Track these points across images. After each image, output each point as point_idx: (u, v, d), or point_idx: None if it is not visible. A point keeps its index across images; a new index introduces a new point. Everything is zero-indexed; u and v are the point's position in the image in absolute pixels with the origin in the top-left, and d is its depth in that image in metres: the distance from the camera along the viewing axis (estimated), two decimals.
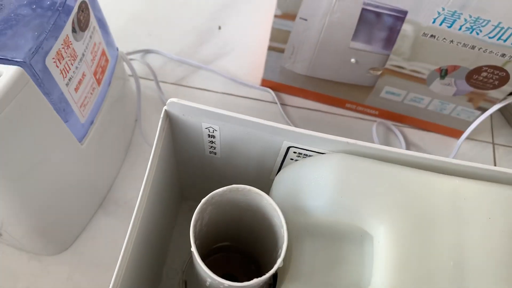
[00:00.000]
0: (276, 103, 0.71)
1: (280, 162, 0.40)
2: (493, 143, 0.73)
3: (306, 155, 0.37)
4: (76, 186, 0.54)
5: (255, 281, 0.30)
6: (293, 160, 0.39)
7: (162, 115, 0.35)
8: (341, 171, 0.34)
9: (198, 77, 0.73)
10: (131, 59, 0.70)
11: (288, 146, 0.37)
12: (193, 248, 0.31)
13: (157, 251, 0.46)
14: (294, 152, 0.37)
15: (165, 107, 0.35)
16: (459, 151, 0.70)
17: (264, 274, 0.44)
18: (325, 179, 0.34)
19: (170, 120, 0.37)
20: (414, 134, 0.72)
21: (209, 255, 0.50)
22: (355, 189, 0.33)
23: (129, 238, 0.32)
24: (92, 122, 0.53)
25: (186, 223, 0.47)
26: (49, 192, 0.50)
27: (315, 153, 0.37)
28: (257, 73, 0.72)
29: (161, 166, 0.37)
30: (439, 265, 0.31)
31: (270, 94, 0.72)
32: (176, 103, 0.34)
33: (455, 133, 0.70)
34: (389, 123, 0.71)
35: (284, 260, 0.34)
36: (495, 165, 0.71)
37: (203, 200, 0.32)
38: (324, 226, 0.34)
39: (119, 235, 0.58)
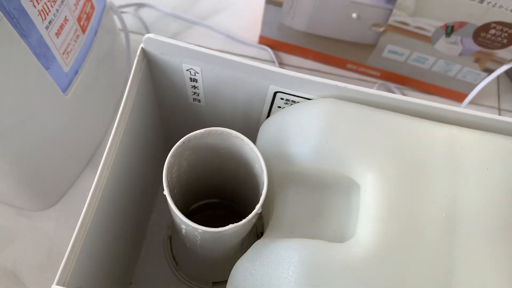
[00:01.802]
0: (274, 62, 0.68)
1: (267, 110, 0.37)
2: (499, 109, 0.70)
3: (294, 101, 0.35)
4: (63, 140, 0.53)
5: (230, 226, 0.28)
6: (281, 108, 0.36)
7: (138, 53, 0.33)
8: (328, 116, 0.31)
9: (193, 33, 0.70)
10: (123, 12, 0.67)
11: (274, 91, 0.34)
12: (166, 192, 0.29)
13: (139, 203, 0.45)
14: (282, 99, 0.35)
15: (141, 45, 0.33)
16: None
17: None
18: (311, 125, 0.31)
19: (149, 61, 0.35)
20: (417, 97, 0.67)
21: (196, 212, 0.48)
22: (342, 135, 0.31)
23: (95, 189, 0.30)
24: (76, 72, 0.51)
25: None
26: (34, 145, 0.48)
27: (303, 99, 0.34)
28: (255, 30, 0.69)
29: (137, 111, 0.34)
30: (430, 216, 0.29)
31: (267, 53, 0.69)
32: (154, 39, 0.32)
33: (460, 97, 0.67)
34: (391, 85, 0.68)
35: (267, 209, 0.32)
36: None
37: (178, 143, 0.30)
38: (309, 174, 0.32)
39: None
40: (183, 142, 0.30)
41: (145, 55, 0.34)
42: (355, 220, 0.30)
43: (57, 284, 0.27)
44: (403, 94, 0.68)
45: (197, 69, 0.34)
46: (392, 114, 0.32)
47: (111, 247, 0.38)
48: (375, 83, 0.68)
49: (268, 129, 0.35)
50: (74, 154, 0.57)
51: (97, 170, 0.30)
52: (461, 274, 0.28)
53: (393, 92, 0.68)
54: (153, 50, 0.33)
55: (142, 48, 0.33)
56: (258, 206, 0.29)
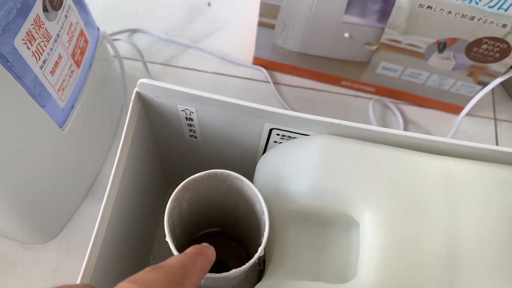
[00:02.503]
0: (269, 82, 0.69)
1: (264, 145, 0.38)
2: (495, 119, 0.70)
3: (290, 137, 0.35)
4: (61, 173, 0.53)
5: (233, 271, 0.28)
6: (277, 143, 0.37)
7: (133, 97, 0.33)
8: (324, 154, 0.31)
9: (188, 56, 0.70)
10: (116, 39, 0.68)
11: (270, 128, 0.35)
12: (168, 238, 0.29)
13: (141, 237, 0.45)
14: (278, 135, 0.35)
15: (136, 89, 0.33)
16: (459, 128, 0.67)
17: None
18: (307, 163, 0.31)
19: (144, 103, 0.35)
20: (413, 111, 0.69)
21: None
22: (339, 173, 0.31)
23: (100, 225, 0.31)
24: (73, 107, 0.51)
25: None
26: (32, 180, 0.48)
27: (299, 135, 0.34)
28: (249, 51, 0.69)
29: (135, 151, 0.35)
30: (430, 253, 0.29)
31: (262, 73, 0.69)
32: (147, 84, 0.32)
33: (455, 109, 0.68)
34: (386, 100, 0.69)
35: (268, 247, 0.32)
36: (497, 142, 0.68)
37: (178, 187, 0.30)
38: (308, 212, 0.32)
39: None
40: (183, 186, 0.30)
41: (140, 98, 0.34)
42: (356, 257, 0.30)
43: None
44: (399, 109, 0.68)
45: (192, 109, 0.34)
46: (388, 148, 0.32)
47: (115, 282, 0.38)
48: (371, 98, 0.69)
49: (265, 165, 0.35)
50: (73, 185, 0.57)
51: (97, 199, 0.31)
52: None
53: (388, 107, 0.68)
54: (147, 93, 0.33)
55: (136, 91, 0.33)
56: (260, 249, 0.29)
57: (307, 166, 0.31)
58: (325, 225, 0.32)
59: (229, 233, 0.48)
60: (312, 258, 0.32)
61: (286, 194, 0.32)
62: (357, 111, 0.68)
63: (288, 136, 0.35)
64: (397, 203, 0.30)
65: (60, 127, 0.49)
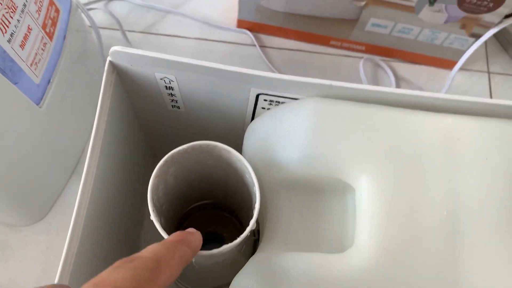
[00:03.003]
0: (255, 45, 0.66)
1: (251, 113, 0.35)
2: (489, 72, 0.68)
3: (279, 102, 0.33)
4: (43, 152, 0.50)
5: (224, 247, 0.27)
6: (265, 110, 0.34)
7: (106, 67, 0.31)
8: (314, 118, 0.29)
9: (169, 22, 0.67)
10: (91, 9, 0.64)
11: (256, 93, 0.32)
12: (153, 217, 0.27)
13: (129, 213, 0.43)
14: (265, 100, 0.33)
15: (108, 58, 0.30)
16: (453, 83, 0.65)
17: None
18: (298, 129, 0.29)
19: (119, 73, 0.32)
20: (404, 68, 0.67)
21: (190, 214, 0.47)
22: (331, 137, 0.29)
23: (81, 201, 0.29)
24: (49, 82, 0.48)
25: None
26: (13, 160, 0.46)
27: (288, 99, 0.32)
28: (232, 14, 0.66)
29: (113, 124, 0.32)
30: (431, 217, 0.27)
31: (248, 36, 0.66)
32: (121, 52, 0.29)
33: (448, 64, 0.65)
34: (377, 58, 0.66)
35: (261, 218, 0.30)
36: (491, 95, 0.66)
37: (161, 162, 0.28)
38: (301, 180, 0.30)
39: None
40: (166, 161, 0.28)
41: (114, 68, 0.32)
42: (353, 225, 0.29)
43: None
44: (390, 67, 0.66)
45: (172, 77, 0.32)
46: (382, 108, 0.30)
47: (105, 261, 0.36)
48: (361, 57, 0.66)
49: (253, 134, 0.33)
50: (57, 164, 0.55)
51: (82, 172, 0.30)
52: (467, 274, 0.27)
53: (379, 65, 0.66)
54: (121, 62, 0.31)
55: (109, 61, 0.31)
56: (252, 222, 0.27)
57: (297, 132, 0.29)
58: (319, 193, 0.31)
59: (220, 204, 0.46)
60: (307, 228, 0.30)
61: (277, 163, 0.30)
62: (347, 71, 0.65)
63: (276, 102, 0.33)
64: (394, 166, 0.28)
65: (37, 104, 0.46)
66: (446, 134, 0.30)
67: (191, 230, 0.27)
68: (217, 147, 0.29)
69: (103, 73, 0.58)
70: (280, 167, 0.30)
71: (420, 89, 0.66)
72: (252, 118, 0.36)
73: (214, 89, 0.33)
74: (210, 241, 0.48)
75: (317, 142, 0.29)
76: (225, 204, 0.45)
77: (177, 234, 0.25)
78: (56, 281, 0.28)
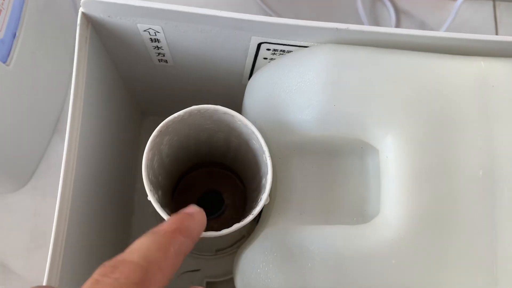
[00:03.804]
0: None
1: (251, 65, 0.31)
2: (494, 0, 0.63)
3: (284, 51, 0.28)
4: (17, 113, 0.46)
5: (234, 227, 0.24)
6: (268, 61, 0.30)
7: (79, 21, 0.25)
8: (331, 69, 0.25)
9: None
10: None
11: (258, 42, 0.28)
12: (150, 197, 0.24)
13: (120, 174, 0.40)
14: (268, 50, 0.28)
15: (81, 9, 0.25)
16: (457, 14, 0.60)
17: (249, 192, 0.38)
18: (311, 83, 0.25)
19: (95, 26, 0.27)
20: (405, 0, 0.62)
21: (187, 172, 0.43)
22: (351, 91, 0.25)
23: (67, 163, 0.26)
24: (15, 36, 0.42)
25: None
26: None
27: (295, 47, 0.28)
28: None
29: (94, 84, 0.28)
30: (466, 178, 0.24)
31: None
32: (95, 2, 0.24)
33: None
34: None
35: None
36: (496, 25, 0.62)
37: (154, 133, 0.24)
38: (316, 142, 0.26)
39: None
40: (160, 131, 0.24)
41: (89, 21, 0.26)
42: (376, 192, 0.25)
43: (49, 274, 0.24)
44: (391, 0, 0.61)
45: (157, 28, 0.27)
46: (406, 53, 0.26)
47: (99, 226, 0.34)
48: None
49: (256, 91, 0.29)
50: (36, 125, 0.50)
51: (65, 136, 0.26)
52: (507, 238, 0.24)
53: (379, 0, 0.61)
54: (97, 13, 0.26)
55: (82, 13, 0.25)
56: (265, 197, 0.24)
57: (310, 87, 0.25)
58: (335, 156, 0.27)
59: (219, 163, 0.43)
60: (323, 196, 0.27)
61: (287, 125, 0.26)
62: (344, 7, 0.60)
63: (281, 51, 0.28)
64: (422, 121, 0.25)
65: (4, 62, 0.41)
66: (479, 80, 0.26)
67: (191, 210, 0.21)
68: (218, 111, 0.25)
69: (73, 18, 0.52)
70: (291, 129, 0.26)
71: (422, 22, 0.62)
72: (252, 72, 0.32)
73: (208, 40, 0.28)
74: (209, 200, 0.45)
75: (334, 98, 0.25)
76: (223, 162, 0.41)
77: (173, 220, 0.20)
78: (50, 249, 0.25)
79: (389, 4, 0.60)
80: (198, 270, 0.42)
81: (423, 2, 0.61)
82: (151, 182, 0.24)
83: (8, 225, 0.50)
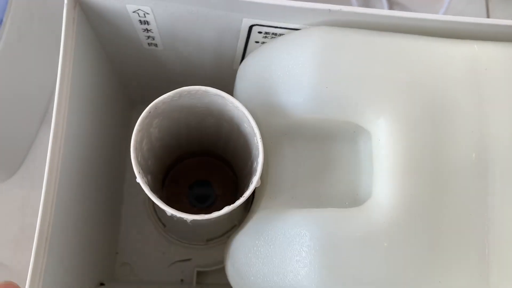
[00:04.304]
0: None
1: (242, 49, 0.30)
2: None
3: (276, 34, 0.28)
4: (6, 101, 0.45)
5: (224, 210, 0.23)
6: (259, 44, 0.29)
7: (66, 1, 0.25)
8: (323, 51, 0.25)
9: None
10: None
11: (250, 24, 0.27)
12: (139, 179, 0.23)
13: (109, 163, 0.39)
14: (259, 32, 0.28)
15: None
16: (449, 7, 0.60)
17: (241, 180, 0.38)
18: (303, 65, 0.25)
19: (83, 7, 0.26)
20: None
21: (176, 162, 0.43)
22: (344, 73, 0.25)
23: (53, 152, 0.25)
24: (1, 22, 0.42)
25: None
26: None
27: (287, 30, 0.27)
28: None
29: (81, 69, 0.27)
30: (459, 161, 0.24)
31: None
32: None
33: None
34: None
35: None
36: (488, 16, 0.62)
37: (143, 114, 0.24)
38: (306, 125, 0.26)
39: None
40: (149, 112, 0.24)
41: (77, 1, 0.26)
42: (368, 175, 0.25)
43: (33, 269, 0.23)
44: None
45: (147, 9, 0.26)
46: (399, 36, 0.26)
47: (87, 216, 0.33)
48: None
49: (247, 74, 0.28)
50: (24, 113, 0.49)
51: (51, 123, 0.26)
52: (500, 219, 0.24)
53: None
54: None
55: None
56: (256, 179, 0.23)
57: (302, 69, 0.25)
58: (327, 140, 0.27)
59: (210, 151, 0.42)
60: (314, 179, 0.27)
61: (278, 108, 0.26)
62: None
63: (273, 34, 0.28)
64: (415, 104, 0.24)
65: None
66: (472, 63, 0.25)
67: None
68: (209, 92, 0.24)
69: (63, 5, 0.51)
70: (282, 112, 0.26)
71: (416, 12, 0.61)
72: (243, 56, 0.31)
73: (198, 22, 0.28)
74: (200, 189, 0.45)
75: (327, 80, 0.24)
76: (214, 152, 0.41)
77: None
78: (35, 241, 0.24)
79: None
80: (189, 259, 0.42)
81: None
82: (140, 165, 0.24)
83: None
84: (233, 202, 0.23)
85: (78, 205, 0.30)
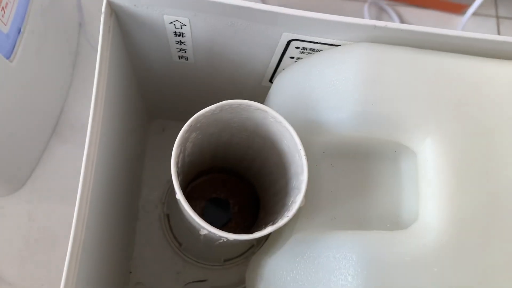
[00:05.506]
0: None
1: (275, 64, 0.30)
2: (497, 17, 0.64)
3: (314, 50, 0.27)
4: (18, 113, 0.44)
5: (265, 231, 0.22)
6: (294, 60, 0.29)
7: (103, 9, 0.24)
8: (369, 68, 0.24)
9: None
10: None
11: (289, 39, 0.27)
12: (179, 195, 0.22)
13: (127, 180, 0.38)
14: (297, 48, 0.27)
15: None
16: (459, 28, 0.61)
17: (268, 199, 0.37)
18: (347, 81, 0.24)
19: (118, 16, 0.26)
20: (411, 13, 0.62)
21: (194, 179, 0.42)
22: (390, 91, 0.24)
23: (86, 169, 0.24)
24: (19, 31, 0.41)
25: (158, 147, 0.38)
26: None
27: (326, 46, 0.27)
28: None
29: (114, 81, 0.26)
30: (508, 181, 0.23)
31: None
32: None
33: (456, 8, 0.61)
34: (382, 2, 0.61)
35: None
36: None
37: (184, 127, 0.23)
38: (348, 143, 0.25)
39: (80, 163, 0.50)
40: (190, 126, 0.23)
41: (113, 10, 0.25)
42: (411, 195, 0.24)
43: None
44: (396, 12, 0.61)
45: (184, 20, 0.26)
46: (445, 55, 0.25)
47: (107, 234, 0.32)
48: (365, 1, 0.60)
49: (284, 88, 0.27)
50: (35, 126, 0.48)
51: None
52: None
53: (384, 10, 0.60)
54: (123, 2, 0.24)
55: (107, 1, 0.24)
56: (300, 198, 0.22)
57: (346, 85, 0.24)
58: (367, 158, 0.26)
59: (229, 168, 0.41)
60: (354, 199, 0.26)
61: (319, 125, 0.25)
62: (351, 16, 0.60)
63: (310, 49, 0.27)
64: (464, 124, 0.24)
65: (8, 58, 0.39)
66: None
67: None
68: (251, 106, 0.23)
69: (79, 17, 0.50)
70: (323, 129, 0.25)
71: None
72: (274, 72, 0.31)
73: (236, 35, 0.27)
74: (215, 206, 0.44)
75: (373, 97, 0.24)
76: (234, 169, 0.40)
77: None
78: (68, 255, 0.23)
79: (395, 17, 0.60)
80: (205, 280, 0.40)
81: (428, 17, 0.61)
82: (179, 183, 0.23)
83: (0, 231, 0.47)
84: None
85: (102, 223, 0.29)
